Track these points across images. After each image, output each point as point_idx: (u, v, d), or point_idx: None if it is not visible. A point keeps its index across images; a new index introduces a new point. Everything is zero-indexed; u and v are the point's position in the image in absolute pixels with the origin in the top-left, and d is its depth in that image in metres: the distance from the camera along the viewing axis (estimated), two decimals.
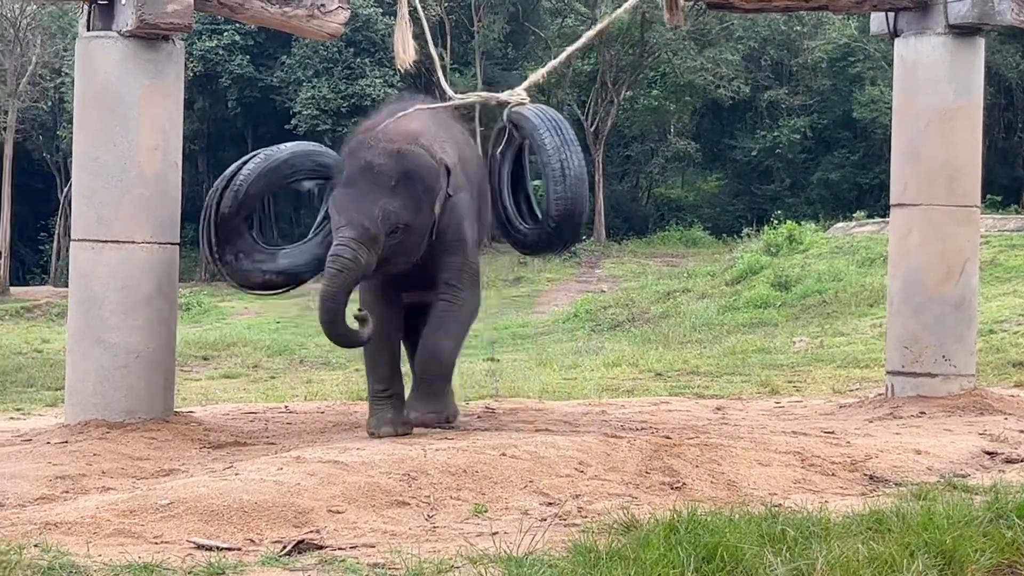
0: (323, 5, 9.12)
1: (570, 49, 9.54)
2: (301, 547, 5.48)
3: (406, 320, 8.41)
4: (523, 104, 8.86)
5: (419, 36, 9.48)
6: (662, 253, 36.98)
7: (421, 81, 41.42)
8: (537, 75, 9.15)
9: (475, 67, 43.12)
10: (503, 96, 9.03)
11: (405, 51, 9.14)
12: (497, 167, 9.04)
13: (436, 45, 10.07)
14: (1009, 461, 7.97)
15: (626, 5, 9.63)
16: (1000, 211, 34.19)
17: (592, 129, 41.54)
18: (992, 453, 8.21)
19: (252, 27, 35.44)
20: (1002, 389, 11.48)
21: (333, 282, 7.62)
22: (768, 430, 8.63)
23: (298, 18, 9.11)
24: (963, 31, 10.07)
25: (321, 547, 5.50)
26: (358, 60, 38.37)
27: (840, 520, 5.62)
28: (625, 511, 5.83)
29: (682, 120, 46.97)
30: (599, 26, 9.90)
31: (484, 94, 9.20)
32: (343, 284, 7.63)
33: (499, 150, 9.06)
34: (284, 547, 5.47)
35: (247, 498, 5.98)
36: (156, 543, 5.53)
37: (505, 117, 8.95)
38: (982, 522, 5.49)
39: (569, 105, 40.39)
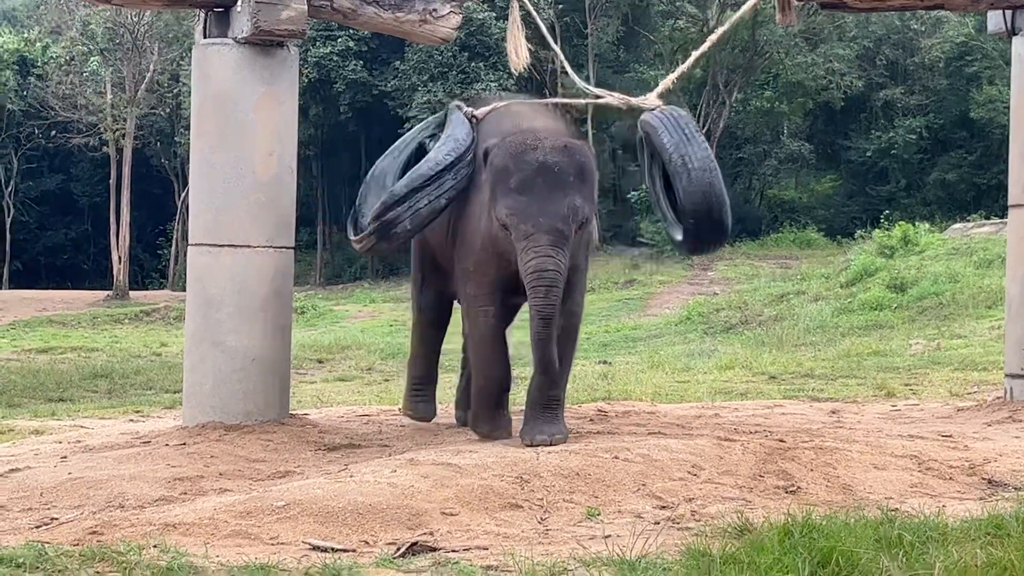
0: (435, 10, 9.17)
1: (698, 52, 9.46)
2: (415, 549, 5.51)
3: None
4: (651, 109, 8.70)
5: (532, 39, 9.50)
6: (775, 255, 36.71)
7: (534, 84, 41.54)
8: (668, 80, 9.06)
9: (587, 69, 43.11)
10: (635, 101, 8.91)
11: (518, 54, 9.16)
12: (647, 175, 8.80)
13: (554, 45, 10.05)
14: None
15: (747, 5, 9.53)
16: None
17: (704, 131, 41.33)
18: None
19: (365, 33, 35.71)
20: None
21: (549, 299, 7.25)
22: (884, 433, 8.53)
23: (410, 23, 9.17)
24: None
25: (435, 549, 5.53)
26: (472, 64, 38.52)
27: (958, 525, 5.55)
28: (739, 515, 5.80)
29: (795, 121, 46.58)
30: (724, 27, 9.80)
31: (618, 96, 9.05)
32: (558, 298, 7.29)
33: (642, 159, 8.86)
34: (398, 549, 5.50)
35: (361, 500, 6.02)
36: (272, 544, 5.59)
37: (639, 126, 8.72)
38: None
39: (682, 105, 40.25)
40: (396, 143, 8.58)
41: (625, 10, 43.25)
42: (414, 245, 8.73)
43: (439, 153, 7.84)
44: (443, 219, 7.99)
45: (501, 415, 7.98)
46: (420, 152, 8.29)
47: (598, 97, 9.28)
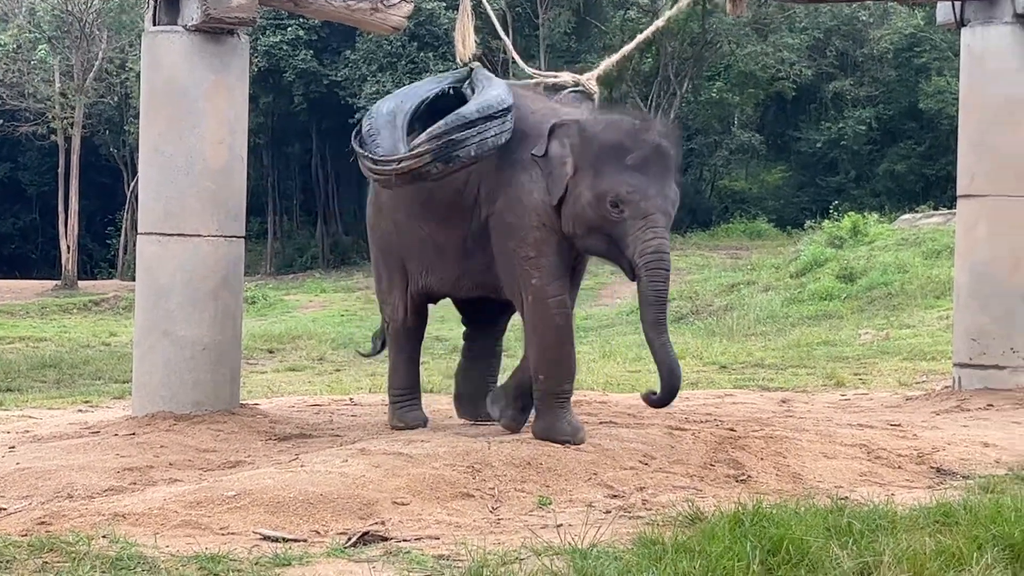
0: None
1: (641, 36, 9.47)
2: (366, 539, 5.50)
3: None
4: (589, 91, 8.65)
5: (483, 29, 9.48)
6: (726, 245, 36.79)
7: None
8: (609, 62, 9.06)
9: (539, 60, 43.09)
10: (581, 79, 8.89)
11: (465, 44, 9.12)
12: None
13: (502, 35, 10.00)
14: None
15: None
16: None
17: None
18: None
19: (316, 22, 35.56)
20: None
21: (667, 283, 7.10)
22: (834, 423, 8.58)
23: (362, 11, 9.13)
24: None
25: (386, 539, 5.52)
26: (422, 55, 38.42)
27: (907, 513, 5.59)
28: (690, 503, 5.82)
29: (745, 112, 46.72)
30: (670, 12, 9.78)
31: (569, 74, 9.00)
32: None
33: None
34: (349, 538, 5.49)
35: (313, 490, 6.01)
36: (223, 534, 5.57)
37: None
38: None
39: (632, 98, 40.29)
40: (400, 91, 7.97)
41: (577, 1, 43.25)
42: (378, 249, 8.29)
43: (498, 92, 7.45)
44: (444, 206, 7.67)
45: (574, 416, 7.48)
46: (434, 102, 7.79)
47: (555, 77, 9.21)
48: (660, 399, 7.24)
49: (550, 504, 6.21)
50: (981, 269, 10.14)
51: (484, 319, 8.49)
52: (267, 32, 38.23)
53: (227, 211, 8.75)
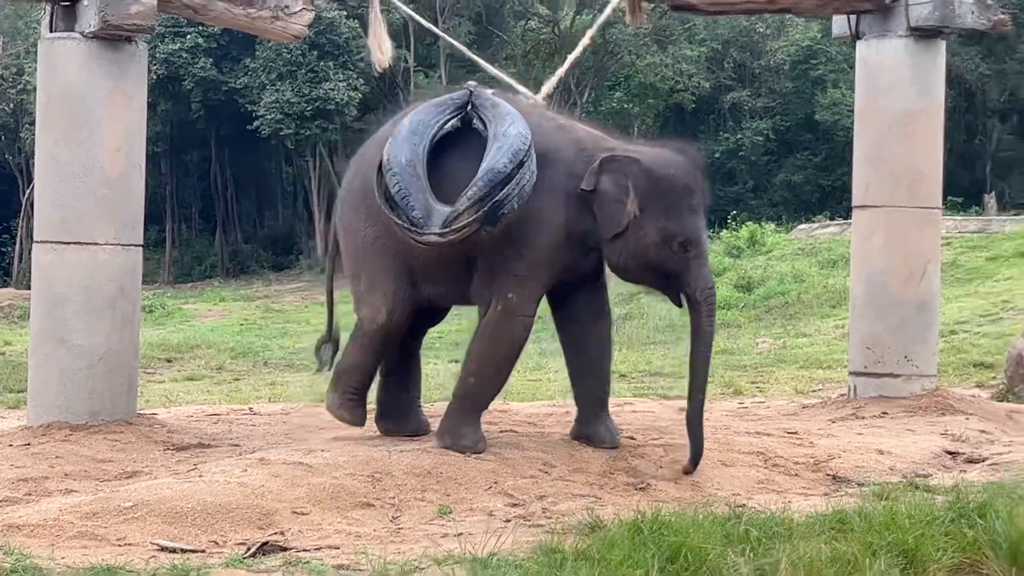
0: (287, 7, 9.10)
1: (572, 56, 9.47)
2: (265, 549, 5.47)
3: None
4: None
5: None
6: None
7: (386, 82, 41.43)
8: (551, 83, 9.01)
9: (439, 69, 43.09)
10: (526, 92, 8.86)
11: (382, 50, 9.08)
12: None
13: (401, 46, 9.99)
14: (970, 461, 8.03)
15: (611, 6, 9.55)
16: (961, 213, 34.37)
17: None
18: (954, 453, 8.27)
19: (216, 29, 35.30)
20: (963, 389, 11.55)
21: (714, 317, 7.47)
22: (731, 431, 8.65)
23: (262, 19, 9.09)
24: (924, 34, 10.12)
25: (285, 548, 5.49)
26: (322, 63, 38.25)
27: (803, 520, 5.65)
28: (590, 512, 5.84)
29: (645, 123, 47.03)
30: (593, 29, 9.76)
31: (518, 86, 8.97)
32: None
33: None
34: (248, 549, 5.46)
35: (211, 500, 5.97)
36: (119, 545, 5.52)
37: None
38: (944, 521, 5.53)
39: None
40: (405, 126, 7.49)
41: (478, 10, 43.31)
42: (365, 248, 7.83)
43: (518, 128, 7.31)
44: None
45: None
46: (444, 139, 7.57)
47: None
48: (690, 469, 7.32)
49: (451, 513, 6.21)
50: (876, 279, 10.26)
51: (424, 329, 8.47)
52: (166, 39, 37.90)
53: (124, 219, 8.66)
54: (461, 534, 5.63)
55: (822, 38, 41.06)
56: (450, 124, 7.58)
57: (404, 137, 7.40)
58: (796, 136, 43.91)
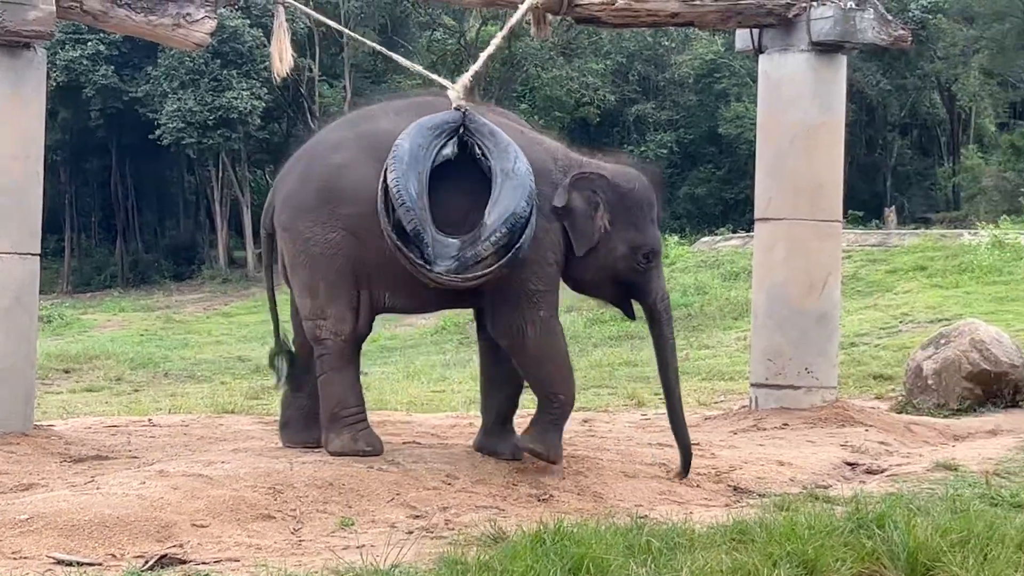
0: (189, 14, 9.01)
1: (486, 52, 9.39)
2: (164, 562, 5.41)
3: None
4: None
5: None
6: None
7: (290, 92, 41.23)
8: (467, 76, 8.95)
9: (344, 79, 42.97)
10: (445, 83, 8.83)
11: (282, 60, 9.00)
12: None
13: (306, 56, 9.92)
14: (869, 472, 8.11)
15: (523, 8, 9.51)
16: (862, 226, 34.82)
17: None
18: (853, 464, 8.36)
19: (117, 36, 34.94)
20: (863, 401, 11.66)
21: (673, 325, 7.79)
22: (634, 442, 8.69)
23: (164, 27, 8.99)
24: (826, 48, 10.23)
25: (184, 561, 5.43)
26: (225, 72, 38.03)
27: (704, 531, 5.67)
28: (492, 523, 5.84)
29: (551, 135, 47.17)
30: (511, 22, 9.70)
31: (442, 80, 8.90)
32: None
33: None
34: (146, 562, 5.40)
35: (109, 512, 5.89)
36: (15, 559, 5.43)
37: None
38: (843, 532, 5.57)
39: None
40: (402, 152, 7.24)
41: (383, 20, 43.25)
42: (319, 260, 7.48)
43: (522, 160, 7.33)
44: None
45: None
46: (441, 166, 7.38)
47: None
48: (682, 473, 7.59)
49: (352, 525, 6.17)
50: (777, 291, 10.34)
51: None
52: (66, 46, 37.48)
53: (22, 228, 8.55)
54: (363, 546, 5.60)
55: (726, 52, 41.46)
56: (448, 151, 7.44)
57: (407, 165, 7.22)
58: (700, 149, 44.27)
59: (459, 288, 7.25)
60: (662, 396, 13.25)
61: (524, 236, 7.18)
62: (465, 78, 8.39)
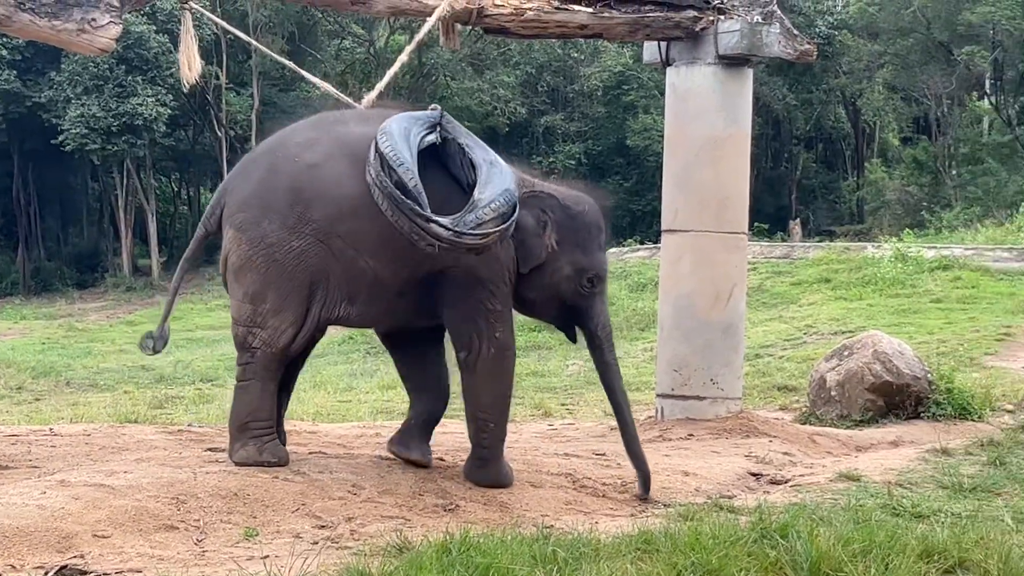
0: (94, 19, 8.91)
1: (400, 60, 9.37)
2: (64, 572, 5.34)
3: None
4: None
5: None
6: None
7: (196, 100, 40.92)
8: (379, 87, 8.91)
9: (252, 87, 42.73)
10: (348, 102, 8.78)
11: (191, 67, 8.90)
12: None
13: (213, 63, 9.86)
14: (773, 482, 8.18)
15: (433, 16, 9.49)
16: (767, 239, 35.14)
17: None
18: (757, 474, 8.42)
19: (20, 41, 34.54)
20: (767, 412, 11.75)
21: (615, 351, 7.90)
22: (541, 452, 8.70)
23: (68, 32, 8.88)
24: (732, 62, 10.31)
25: (85, 572, 5.37)
26: (130, 78, 37.68)
27: (610, 541, 5.68)
28: (398, 533, 5.81)
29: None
30: (421, 33, 9.68)
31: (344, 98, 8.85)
32: None
33: None
34: (46, 573, 5.33)
35: (8, 523, 5.80)
36: None
37: None
38: (747, 542, 5.61)
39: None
40: (394, 132, 7.14)
41: (291, 28, 43.07)
42: (276, 268, 7.23)
43: (499, 158, 7.44)
44: (399, 247, 7.15)
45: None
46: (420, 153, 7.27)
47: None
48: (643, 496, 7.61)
49: (257, 535, 6.12)
50: (683, 302, 10.40)
51: (308, 351, 7.98)
52: None
53: None
54: (267, 557, 5.56)
55: (634, 64, 41.71)
56: (432, 137, 7.40)
57: (400, 137, 7.14)
58: (608, 160, 44.48)
59: (457, 247, 7.04)
60: (569, 407, 13.32)
61: (515, 215, 7.15)
62: (371, 96, 8.42)
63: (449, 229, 6.94)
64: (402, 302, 7.39)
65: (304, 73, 9.43)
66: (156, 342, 7.81)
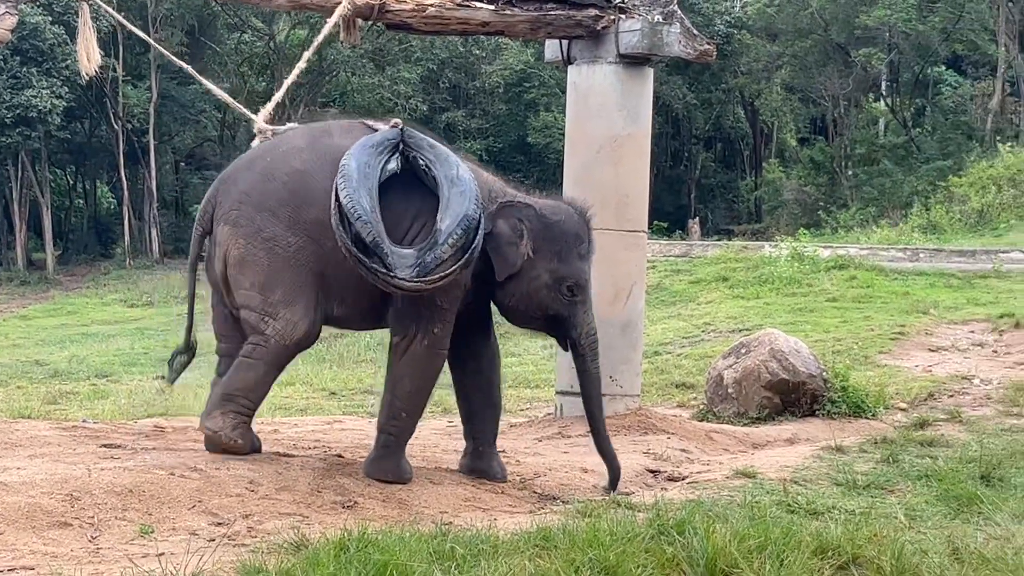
0: None
1: (295, 73, 9.31)
2: None
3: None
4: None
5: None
6: None
7: (94, 91, 40.45)
8: (273, 101, 8.84)
9: (150, 79, 42.32)
10: (252, 117, 8.72)
11: (90, 59, 8.79)
12: None
13: (110, 55, 9.74)
14: (671, 479, 8.24)
15: (336, 13, 9.44)
16: (666, 237, 35.39)
17: None
18: (655, 471, 8.48)
19: None
20: (665, 409, 11.84)
21: (598, 360, 7.94)
22: (440, 449, 8.69)
23: None
24: (633, 61, 10.37)
25: None
26: (24, 69, 37.15)
27: (508, 538, 5.69)
28: (295, 530, 5.78)
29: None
30: (319, 40, 9.61)
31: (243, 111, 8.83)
32: None
33: None
34: None
35: None
36: None
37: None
38: (644, 538, 5.63)
39: (247, 122, 40.00)
40: (351, 167, 7.27)
41: (191, 22, 42.69)
42: (282, 260, 7.43)
43: (465, 170, 7.53)
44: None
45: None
46: (384, 182, 7.41)
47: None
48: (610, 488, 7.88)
49: (152, 533, 6.06)
50: None
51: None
52: None
53: None
54: (162, 554, 5.51)
55: (535, 62, 41.81)
56: (392, 166, 7.46)
57: (358, 181, 7.22)
58: (509, 157, 44.55)
59: (423, 293, 7.24)
60: None
61: (477, 238, 7.27)
62: (268, 108, 8.44)
63: (410, 281, 7.13)
64: (383, 302, 7.53)
65: (200, 78, 9.32)
66: (178, 361, 8.07)
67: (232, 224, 7.51)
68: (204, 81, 9.50)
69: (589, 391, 7.87)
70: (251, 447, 7.59)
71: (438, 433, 10.05)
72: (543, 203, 7.83)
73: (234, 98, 9.10)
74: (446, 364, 7.76)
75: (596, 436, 7.89)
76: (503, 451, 8.66)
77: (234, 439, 7.43)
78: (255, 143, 8.28)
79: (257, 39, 44.41)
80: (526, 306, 7.72)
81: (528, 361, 17.60)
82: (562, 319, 7.76)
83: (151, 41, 10.56)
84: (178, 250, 41.20)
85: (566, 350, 8.03)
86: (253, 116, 8.36)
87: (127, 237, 42.51)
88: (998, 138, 38.27)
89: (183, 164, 47.91)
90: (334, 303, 7.57)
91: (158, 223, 42.80)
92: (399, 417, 7.57)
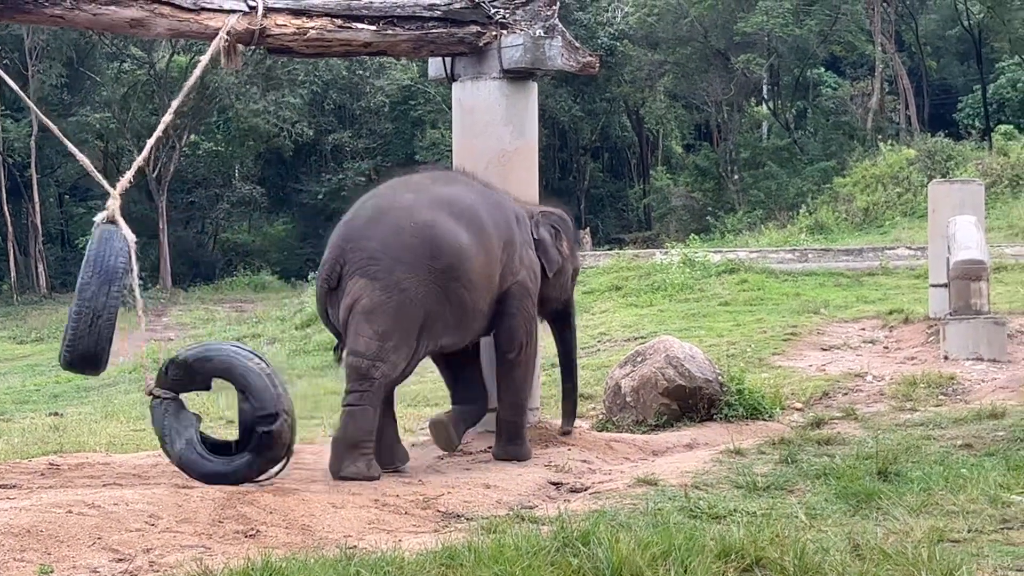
0: None
1: (166, 118, 9.18)
2: None
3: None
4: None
5: None
6: (231, 299, 36.65)
7: None
8: (129, 173, 8.73)
9: (30, 113, 41.74)
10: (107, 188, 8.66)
11: None
12: None
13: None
14: (573, 491, 8.26)
15: (216, 40, 9.35)
16: None
17: (155, 175, 40.94)
18: (558, 484, 8.50)
19: None
20: None
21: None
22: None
23: None
24: (517, 75, 10.40)
25: None
26: None
27: (414, 558, 5.68)
28: (198, 562, 5.73)
29: (246, 165, 46.79)
30: (193, 79, 9.48)
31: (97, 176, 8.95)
32: None
33: None
34: None
35: None
36: None
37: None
38: (550, 551, 5.64)
39: (130, 151, 39.60)
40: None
41: (69, 53, 42.17)
42: (424, 311, 8.60)
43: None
44: (487, 277, 8.91)
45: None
46: None
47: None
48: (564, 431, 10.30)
49: (52, 573, 5.97)
50: None
51: None
52: None
53: None
54: None
55: (420, 79, 41.80)
56: None
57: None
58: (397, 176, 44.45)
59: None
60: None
61: None
62: (124, 181, 8.47)
63: None
64: (481, 323, 9.06)
65: (66, 141, 9.07)
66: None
67: (371, 277, 8.50)
68: (68, 143, 9.14)
69: (571, 342, 10.38)
70: (380, 471, 8.57)
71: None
72: (555, 210, 9.87)
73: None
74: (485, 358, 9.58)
75: (569, 385, 10.40)
76: (404, 471, 8.64)
77: (374, 475, 8.40)
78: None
79: (137, 67, 43.97)
80: (559, 295, 9.81)
81: (427, 379, 17.55)
82: (569, 300, 10.08)
83: (25, 98, 9.99)
84: (65, 284, 40.65)
85: (561, 337, 10.29)
86: (111, 189, 8.43)
87: (13, 273, 41.89)
88: (879, 137, 38.89)
89: (67, 196, 47.29)
90: (444, 334, 8.79)
91: (44, 257, 42.23)
92: (519, 410, 9.39)
